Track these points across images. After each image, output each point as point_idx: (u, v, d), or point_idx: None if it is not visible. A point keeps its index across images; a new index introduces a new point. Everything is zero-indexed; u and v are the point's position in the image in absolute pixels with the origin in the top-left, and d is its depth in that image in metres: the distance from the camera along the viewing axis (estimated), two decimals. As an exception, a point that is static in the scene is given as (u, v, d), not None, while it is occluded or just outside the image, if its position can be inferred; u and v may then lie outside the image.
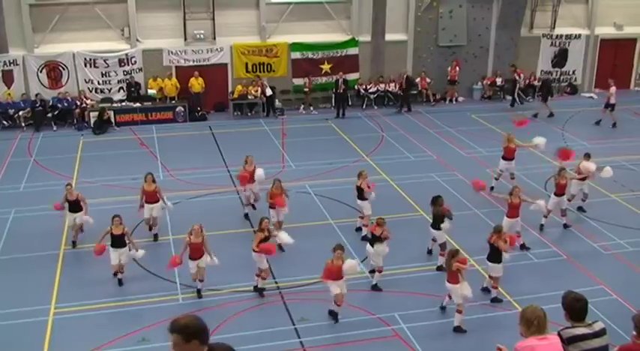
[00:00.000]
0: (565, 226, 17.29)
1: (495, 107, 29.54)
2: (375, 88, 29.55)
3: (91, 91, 27.42)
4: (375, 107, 29.35)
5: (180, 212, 17.68)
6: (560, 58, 32.01)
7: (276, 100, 28.63)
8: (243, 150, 21.99)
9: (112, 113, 26.52)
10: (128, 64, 27.63)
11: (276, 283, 14.69)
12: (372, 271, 14.71)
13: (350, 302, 13.61)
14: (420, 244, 15.82)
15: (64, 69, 27.13)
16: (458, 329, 12.89)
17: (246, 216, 17.95)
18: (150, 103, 27.37)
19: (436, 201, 15.21)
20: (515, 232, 15.62)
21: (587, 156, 18.22)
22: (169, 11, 27.73)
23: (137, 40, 27.56)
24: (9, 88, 26.74)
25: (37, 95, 26.30)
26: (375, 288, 14.42)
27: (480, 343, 12.59)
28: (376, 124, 27.09)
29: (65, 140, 24.97)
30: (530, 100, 30.64)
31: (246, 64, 28.70)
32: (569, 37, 31.79)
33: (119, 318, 13.44)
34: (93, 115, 26.28)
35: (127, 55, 27.54)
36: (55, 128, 26.24)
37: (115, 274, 14.57)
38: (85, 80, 27.38)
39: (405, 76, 28.85)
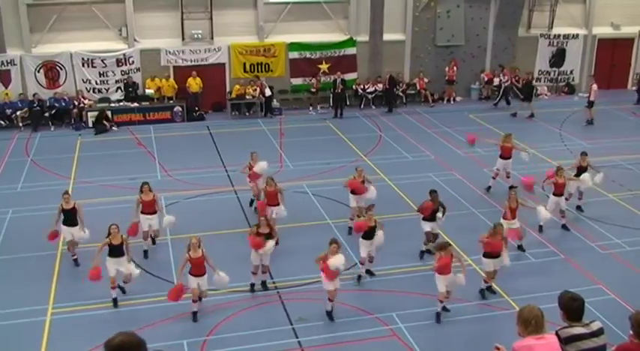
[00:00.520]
0: (564, 226, 17.29)
1: (493, 107, 29.53)
2: (373, 88, 29.55)
3: (88, 91, 27.41)
4: (373, 107, 29.35)
5: (178, 212, 17.65)
6: (558, 57, 32.05)
7: (274, 100, 28.63)
8: (241, 150, 22.01)
9: (109, 113, 26.48)
10: (126, 64, 27.61)
11: (273, 282, 14.68)
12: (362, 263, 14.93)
13: (348, 302, 13.63)
14: (417, 243, 15.81)
15: (61, 69, 27.10)
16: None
17: (252, 202, 18.22)
18: (147, 103, 27.35)
19: (432, 195, 15.52)
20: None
21: (584, 154, 18.23)
22: (167, 11, 27.71)
23: (135, 39, 27.54)
24: (6, 88, 26.71)
25: (34, 95, 26.27)
26: (370, 273, 14.80)
27: (478, 342, 12.60)
28: (374, 123, 27.10)
29: (63, 140, 24.95)
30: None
31: (244, 64, 28.70)
32: (566, 36, 31.82)
33: (117, 318, 13.40)
34: (91, 115, 26.28)
35: (124, 54, 27.52)
36: (52, 128, 26.22)
37: (114, 288, 13.74)
38: (83, 80, 27.36)
39: (388, 76, 28.84)
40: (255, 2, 28.47)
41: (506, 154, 19.42)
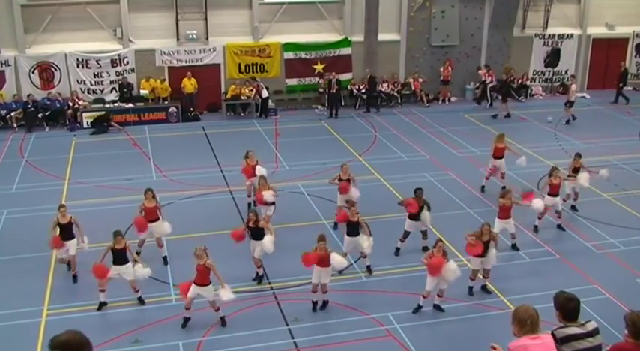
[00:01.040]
0: (559, 227, 17.30)
1: (488, 107, 29.55)
2: (370, 88, 29.57)
3: (83, 92, 27.36)
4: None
5: (174, 213, 17.65)
6: (553, 57, 32.12)
7: (269, 101, 28.63)
8: (236, 150, 21.95)
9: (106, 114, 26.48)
10: (120, 65, 27.58)
11: (269, 283, 14.68)
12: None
13: (343, 302, 13.64)
14: (413, 243, 15.83)
15: (56, 69, 27.06)
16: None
17: (249, 206, 18.10)
18: (142, 104, 27.32)
19: (417, 193, 15.71)
20: (509, 234, 15.97)
21: (578, 156, 18.25)
22: (162, 11, 27.68)
23: (129, 40, 27.51)
24: (1, 89, 26.66)
25: (29, 96, 26.22)
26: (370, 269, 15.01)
27: (473, 342, 12.61)
28: (369, 124, 27.12)
29: (57, 141, 24.90)
30: (522, 99, 30.74)
31: (239, 64, 28.69)
32: (561, 37, 31.90)
33: (112, 319, 13.40)
34: (86, 116, 26.24)
35: (119, 55, 27.48)
36: (47, 129, 26.18)
37: (102, 290, 13.52)
38: (78, 81, 27.32)
39: (368, 76, 28.82)
40: (250, 3, 28.47)
41: (498, 154, 19.44)
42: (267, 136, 25.43)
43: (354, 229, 14.79)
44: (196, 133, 25.98)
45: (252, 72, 28.76)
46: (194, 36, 27.82)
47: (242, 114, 28.47)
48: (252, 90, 27.99)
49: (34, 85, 26.99)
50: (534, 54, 31.92)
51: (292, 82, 29.48)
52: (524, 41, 31.41)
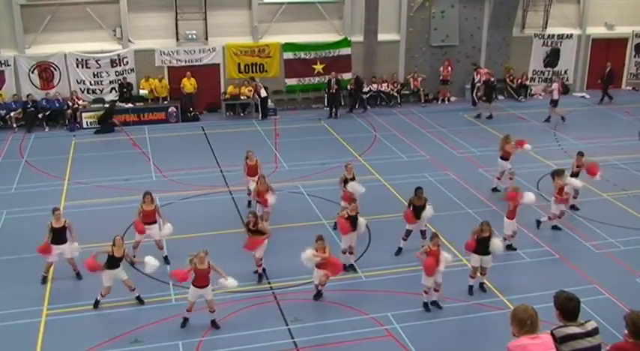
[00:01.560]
0: (554, 227, 17.26)
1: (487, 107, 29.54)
2: (368, 88, 29.57)
3: (82, 92, 27.35)
4: (368, 107, 29.34)
5: (174, 213, 17.64)
6: (552, 57, 32.12)
7: (269, 101, 28.64)
8: (235, 150, 21.97)
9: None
10: (120, 65, 27.57)
11: (269, 283, 14.68)
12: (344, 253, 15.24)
13: (343, 302, 13.63)
14: (413, 244, 15.81)
15: (55, 70, 27.04)
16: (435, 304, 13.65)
17: (249, 203, 18.23)
18: (142, 104, 27.32)
19: (417, 192, 15.75)
20: (511, 232, 15.94)
21: (581, 154, 18.20)
22: (161, 11, 27.67)
23: (129, 40, 27.50)
24: (0, 89, 26.64)
25: (28, 96, 26.20)
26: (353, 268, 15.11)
27: (473, 341, 12.63)
28: (369, 124, 27.11)
29: (57, 141, 24.90)
30: (522, 99, 30.74)
31: (239, 64, 28.68)
32: (560, 36, 31.89)
33: (112, 319, 13.39)
34: (86, 116, 26.25)
35: (118, 55, 27.47)
36: (46, 129, 26.17)
37: (103, 296, 13.55)
38: (77, 81, 27.31)
39: (355, 76, 28.77)
40: (249, 3, 28.46)
41: (507, 156, 19.35)
42: (266, 136, 25.42)
43: (353, 223, 14.89)
44: (196, 133, 25.97)
45: (252, 72, 28.75)
46: (193, 36, 27.82)
47: (242, 114, 28.46)
48: (250, 90, 27.98)
49: (34, 85, 26.97)
50: (534, 54, 31.91)
51: (292, 82, 29.48)
52: (523, 41, 31.41)
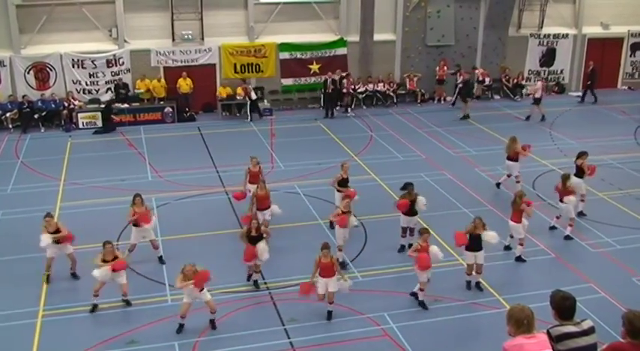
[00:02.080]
0: (551, 227, 17.27)
1: (484, 107, 29.60)
2: (364, 88, 29.58)
3: (78, 92, 27.31)
4: (364, 107, 29.36)
5: (169, 213, 17.63)
6: (548, 57, 32.19)
7: (265, 101, 28.63)
8: (231, 150, 22.00)
9: (99, 114, 26.41)
10: (116, 65, 27.52)
11: (265, 283, 14.67)
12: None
13: (339, 302, 13.60)
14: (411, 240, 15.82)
15: (51, 70, 26.99)
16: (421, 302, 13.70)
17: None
18: (138, 104, 27.28)
19: (408, 187, 15.86)
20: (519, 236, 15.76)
21: (584, 154, 18.10)
22: (157, 12, 27.62)
23: (125, 40, 27.46)
24: (-4, 90, 26.64)
25: (24, 97, 26.15)
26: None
27: (469, 340, 12.64)
28: (365, 124, 27.12)
29: (53, 141, 24.85)
30: (518, 99, 30.77)
31: (235, 64, 28.66)
32: (556, 36, 31.94)
33: (108, 320, 13.37)
34: (82, 117, 26.22)
35: (114, 55, 27.42)
36: (42, 130, 26.12)
37: (96, 296, 13.47)
38: (73, 81, 27.25)
39: (338, 77, 28.58)
40: (245, 3, 28.43)
41: (514, 157, 19.35)
42: (262, 136, 25.41)
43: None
44: (192, 134, 25.94)
45: (248, 72, 28.75)
46: (189, 36, 27.80)
47: (237, 114, 28.44)
48: (241, 92, 27.82)
49: (30, 85, 26.90)
50: (530, 53, 31.95)
51: (288, 82, 29.47)
52: (519, 41, 31.45)
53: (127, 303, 13.73)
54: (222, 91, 28.14)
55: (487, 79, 30.78)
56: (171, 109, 27.30)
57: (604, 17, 32.25)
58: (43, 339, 12.71)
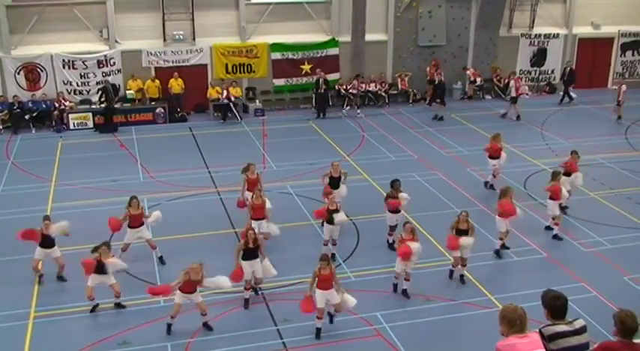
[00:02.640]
0: (547, 227, 17.29)
1: (475, 107, 29.68)
2: (357, 90, 29.54)
3: (69, 93, 27.21)
4: (356, 107, 29.35)
5: (161, 214, 17.56)
6: (539, 57, 32.29)
7: (257, 101, 28.62)
8: (223, 151, 21.96)
9: (90, 115, 26.33)
10: (107, 66, 27.43)
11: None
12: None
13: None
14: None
15: (42, 71, 26.88)
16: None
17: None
18: (129, 105, 27.21)
19: (395, 185, 16.06)
20: (505, 231, 15.84)
21: (576, 154, 18.14)
22: (148, 12, 27.55)
23: (116, 41, 27.39)
24: (-14, 91, 26.51)
25: (14, 97, 26.04)
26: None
27: (461, 340, 12.66)
28: (357, 124, 27.13)
29: (44, 142, 24.75)
30: (509, 99, 30.82)
31: (226, 65, 28.63)
32: (547, 36, 32.05)
33: (100, 321, 13.33)
34: (72, 117, 26.14)
35: (105, 56, 27.33)
36: (33, 130, 26.02)
37: (92, 299, 13.47)
38: (64, 82, 27.15)
39: (323, 78, 28.42)
40: (237, 3, 28.39)
41: (496, 154, 19.42)
42: (254, 136, 25.38)
43: (329, 215, 15.20)
44: (183, 134, 25.89)
45: (240, 72, 28.72)
46: (181, 36, 27.74)
47: (229, 114, 28.35)
48: (223, 92, 27.60)
49: (20, 86, 26.78)
50: (521, 53, 32.04)
51: (280, 82, 29.45)
52: (510, 41, 31.54)
53: (120, 306, 13.67)
54: (212, 92, 28.07)
55: (478, 79, 30.91)
56: (162, 110, 27.23)
57: (594, 17, 32.38)
58: (34, 341, 12.65)
